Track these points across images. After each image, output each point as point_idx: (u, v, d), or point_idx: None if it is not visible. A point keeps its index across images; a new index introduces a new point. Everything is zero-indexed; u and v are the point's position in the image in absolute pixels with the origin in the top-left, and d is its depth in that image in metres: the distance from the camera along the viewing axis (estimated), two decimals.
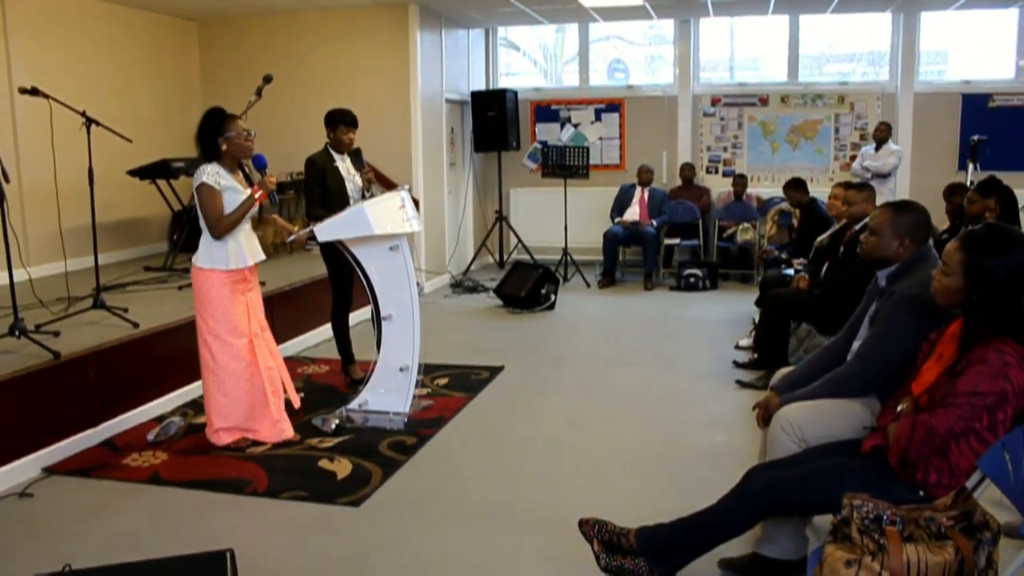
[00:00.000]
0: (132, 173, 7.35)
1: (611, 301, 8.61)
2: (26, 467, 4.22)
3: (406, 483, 4.14)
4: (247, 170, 4.60)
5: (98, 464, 4.36)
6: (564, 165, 9.56)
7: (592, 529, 3.06)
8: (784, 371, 3.60)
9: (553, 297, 8.17)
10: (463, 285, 9.26)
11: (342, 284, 5.55)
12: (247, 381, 4.50)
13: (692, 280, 8.92)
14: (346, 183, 5.43)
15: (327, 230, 4.81)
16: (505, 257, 10.21)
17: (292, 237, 4.92)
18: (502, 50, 11.05)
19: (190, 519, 3.75)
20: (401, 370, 4.99)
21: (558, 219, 9.65)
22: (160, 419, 4.94)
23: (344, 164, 5.51)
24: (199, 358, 4.50)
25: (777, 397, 3.33)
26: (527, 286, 8.08)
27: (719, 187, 10.00)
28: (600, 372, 6.00)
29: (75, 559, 2.81)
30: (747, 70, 10.46)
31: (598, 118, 10.53)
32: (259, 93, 6.30)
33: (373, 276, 5.01)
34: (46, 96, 5.26)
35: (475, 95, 9.98)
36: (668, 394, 5.48)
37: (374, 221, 4.70)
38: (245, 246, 4.48)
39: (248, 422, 4.55)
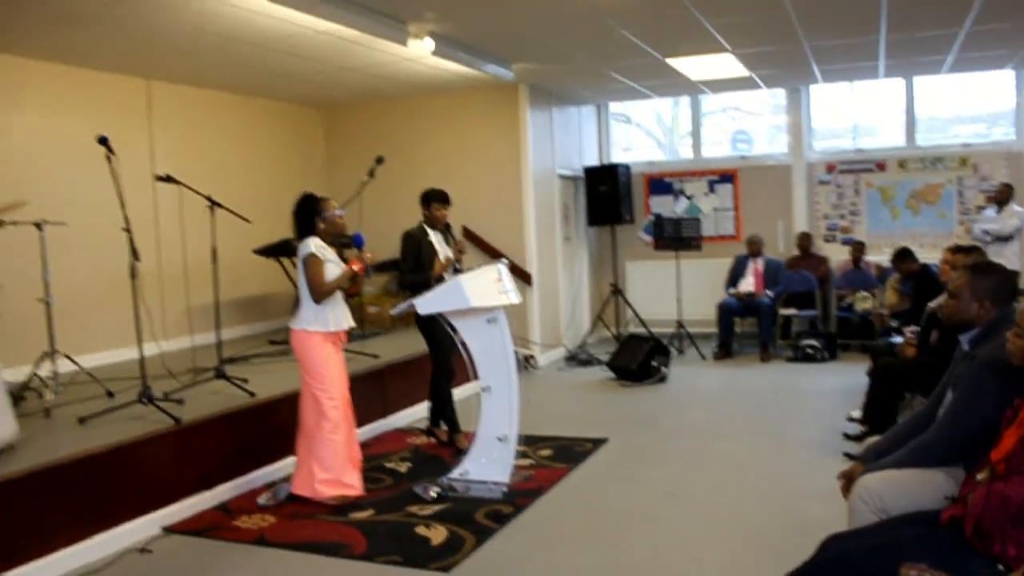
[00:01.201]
0: (258, 252, 7.86)
1: (725, 373, 8.53)
2: (148, 525, 4.56)
3: (498, 551, 4.23)
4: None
5: (212, 525, 4.66)
6: (678, 237, 9.62)
7: None
8: (873, 440, 3.54)
9: (664, 369, 8.17)
10: (577, 358, 9.35)
11: (442, 352, 5.78)
12: (346, 435, 4.91)
13: (810, 351, 8.73)
14: (439, 255, 5.75)
15: (427, 303, 5.04)
16: (621, 330, 10.26)
17: (395, 311, 5.19)
18: (618, 124, 11.30)
19: None
20: (500, 440, 5.11)
21: (673, 291, 9.68)
22: (271, 484, 5.21)
23: (437, 238, 5.85)
24: (300, 415, 4.91)
25: (861, 466, 3.29)
26: (638, 359, 8.11)
27: (838, 255, 9.81)
28: (705, 444, 5.97)
29: None
30: (863, 136, 10.31)
31: (712, 189, 10.56)
32: (371, 174, 6.69)
33: (472, 348, 5.21)
34: (177, 182, 5.77)
35: (588, 170, 10.21)
36: (773, 466, 5.39)
37: (471, 294, 4.90)
38: (341, 313, 4.98)
39: (344, 474, 4.90)
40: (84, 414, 5.01)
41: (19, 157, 6.58)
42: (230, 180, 8.32)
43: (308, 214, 4.91)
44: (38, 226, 5.60)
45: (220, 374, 5.79)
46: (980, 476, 2.69)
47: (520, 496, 4.97)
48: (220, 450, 5.11)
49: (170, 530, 4.60)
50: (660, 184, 10.80)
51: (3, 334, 5.70)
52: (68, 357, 5.81)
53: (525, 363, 8.94)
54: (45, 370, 5.65)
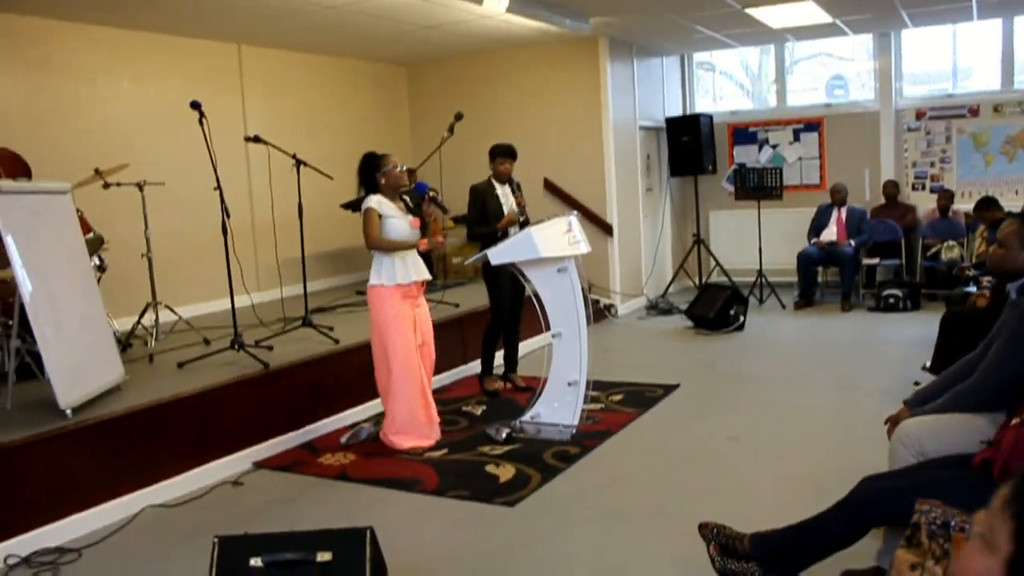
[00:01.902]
0: (344, 206, 8.15)
1: (803, 322, 8.47)
2: (240, 461, 4.92)
3: (562, 488, 4.42)
4: (407, 201, 5.23)
5: (298, 461, 4.99)
6: (760, 186, 9.51)
7: (710, 532, 3.21)
8: (923, 385, 3.57)
9: (742, 318, 8.18)
10: (658, 307, 9.42)
11: (502, 305, 6.01)
12: (414, 390, 5.03)
13: (892, 301, 8.58)
14: (503, 208, 5.93)
15: (499, 254, 5.22)
16: (704, 279, 10.25)
17: (469, 261, 5.39)
18: (705, 74, 11.16)
19: (364, 509, 4.24)
20: (569, 384, 5.28)
21: (755, 241, 9.59)
22: (353, 425, 5.52)
23: (504, 191, 6.01)
24: (377, 372, 5.07)
25: (907, 411, 3.33)
26: (716, 307, 8.13)
27: (925, 204, 9.55)
28: (775, 392, 6.01)
29: None
30: (956, 80, 9.93)
31: (797, 138, 10.36)
32: (451, 130, 6.84)
33: (543, 296, 5.37)
34: (265, 143, 6.06)
35: (669, 121, 10.15)
36: (839, 415, 5.41)
37: (541, 245, 5.05)
38: (411, 266, 5.09)
39: (413, 427, 5.07)
40: (182, 359, 5.39)
41: (122, 122, 7.00)
42: (319, 139, 8.62)
43: (370, 171, 5.08)
44: (139, 186, 5.98)
45: (307, 322, 6.11)
46: (1015, 420, 2.72)
47: (588, 438, 5.14)
48: (306, 393, 5.44)
49: (260, 465, 4.95)
50: (744, 134, 10.65)
51: (111, 287, 6.12)
52: (169, 307, 6.23)
53: (606, 311, 9.08)
54: (148, 320, 6.07)
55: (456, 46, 8.92)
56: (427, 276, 5.21)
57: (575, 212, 5.41)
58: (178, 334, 6.21)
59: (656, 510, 4.06)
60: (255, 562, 2.92)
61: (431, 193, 5.35)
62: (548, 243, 5.09)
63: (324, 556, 2.94)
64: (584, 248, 5.25)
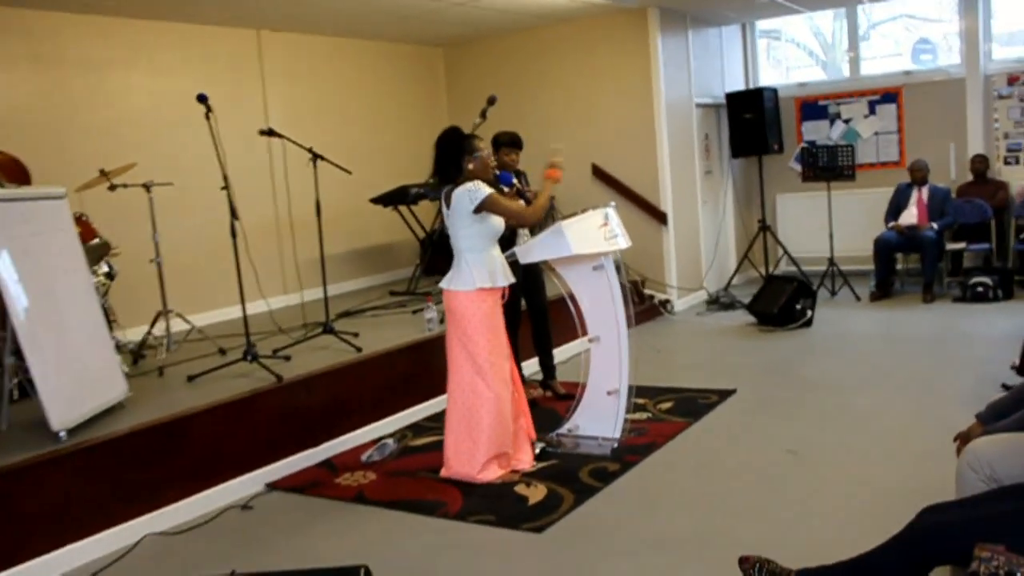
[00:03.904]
0: (374, 201, 8.08)
1: (880, 316, 8.16)
2: (252, 481, 4.85)
3: (595, 512, 4.26)
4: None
5: (313, 482, 4.90)
6: (831, 166, 9.17)
7: (752, 567, 3.03)
8: (1001, 396, 3.31)
9: (810, 313, 7.90)
10: (719, 301, 9.18)
11: (512, 302, 5.79)
12: (513, 406, 4.69)
13: (980, 290, 8.19)
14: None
15: (528, 252, 5.05)
16: (771, 270, 9.95)
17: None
18: (773, 44, 10.82)
19: (379, 536, 4.14)
20: (609, 394, 5.11)
21: (828, 226, 9.23)
22: (376, 441, 5.41)
23: None
24: (457, 387, 4.62)
25: (980, 427, 3.09)
26: (780, 301, 7.88)
27: (1020, 180, 9.09)
28: (844, 397, 5.75)
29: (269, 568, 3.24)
30: None
31: (872, 111, 9.98)
32: (483, 115, 6.71)
33: (579, 297, 5.20)
34: (280, 136, 5.99)
35: (730, 97, 9.86)
36: (916, 423, 5.14)
37: (573, 241, 4.84)
38: (502, 267, 4.70)
39: (512, 449, 4.74)
40: (193, 372, 5.35)
41: (131, 119, 7.00)
42: (349, 128, 8.60)
43: (456, 152, 4.57)
44: (146, 187, 5.97)
45: (328, 329, 6.03)
46: None
47: (630, 452, 4.97)
48: (324, 406, 5.36)
49: (273, 487, 4.87)
50: (813, 108, 10.30)
51: (121, 296, 6.15)
52: (180, 316, 6.21)
53: (661, 308, 8.87)
54: (160, 330, 6.06)
55: (494, 23, 8.77)
56: (512, 279, 4.76)
57: (612, 204, 5.21)
58: (192, 344, 6.19)
59: (699, 537, 3.88)
60: None
61: (517, 186, 5.07)
62: (582, 239, 4.89)
63: None
64: (623, 243, 5.06)
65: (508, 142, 5.82)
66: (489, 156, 4.67)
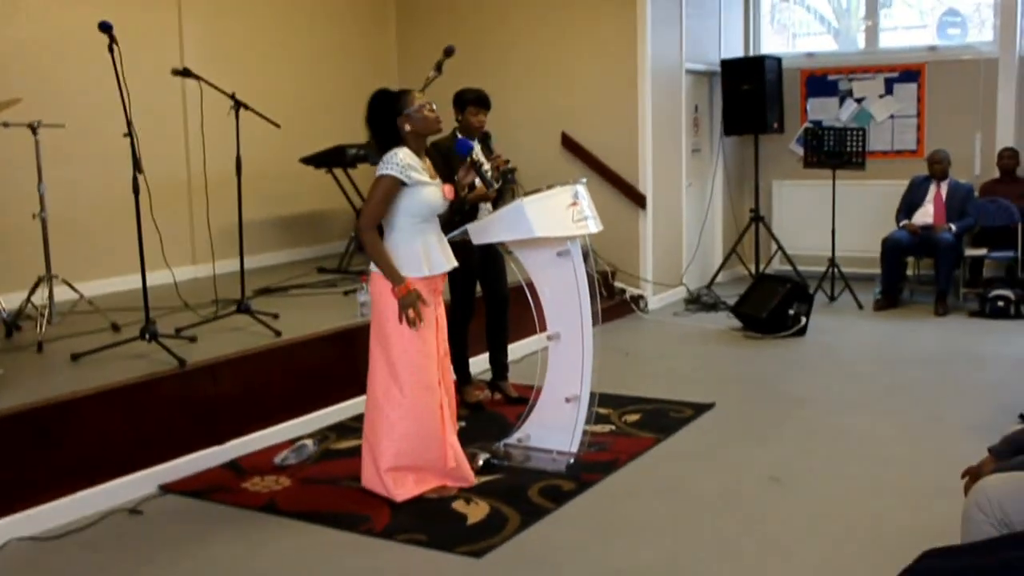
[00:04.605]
0: (305, 161, 8.02)
1: (884, 328, 8.29)
2: (143, 482, 4.80)
3: (545, 536, 4.28)
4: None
5: (216, 486, 4.87)
6: (838, 151, 9.28)
7: None
8: (1017, 429, 3.38)
9: (804, 320, 8.00)
10: (700, 301, 9.30)
11: (465, 290, 5.90)
12: (435, 414, 4.61)
13: (1001, 304, 8.36)
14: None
15: (483, 231, 5.05)
16: (762, 268, 10.06)
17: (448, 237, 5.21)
18: (779, 6, 10.92)
19: (289, 554, 4.13)
20: (567, 401, 5.14)
21: (830, 221, 9.35)
22: (293, 441, 5.39)
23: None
24: (371, 383, 4.62)
25: (993, 463, 3.15)
26: (770, 305, 7.97)
27: None
28: (836, 418, 5.84)
29: None
30: None
31: (889, 90, 10.12)
32: (439, 68, 6.66)
33: (539, 286, 5.21)
34: (197, 78, 5.92)
35: (726, 64, 9.94)
36: (919, 454, 5.24)
37: (535, 221, 4.85)
38: (439, 248, 4.66)
39: (428, 463, 4.67)
40: (78, 350, 5.28)
41: (22, 46, 6.86)
42: (280, 74, 8.57)
43: (387, 116, 4.53)
44: (32, 128, 5.86)
45: (243, 308, 5.99)
46: None
47: (588, 470, 5.00)
48: (233, 398, 5.33)
49: (168, 489, 4.84)
50: (821, 83, 10.43)
51: None
52: (67, 283, 6.13)
53: (633, 305, 8.93)
54: (41, 297, 5.97)
55: None
56: (454, 263, 4.73)
57: (583, 180, 5.22)
58: (80, 317, 6.12)
59: (663, 571, 3.91)
60: None
61: (474, 157, 4.94)
62: (545, 219, 4.90)
63: None
64: (593, 227, 5.08)
65: (474, 99, 5.82)
66: (425, 107, 4.55)
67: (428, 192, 4.54)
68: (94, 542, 4.27)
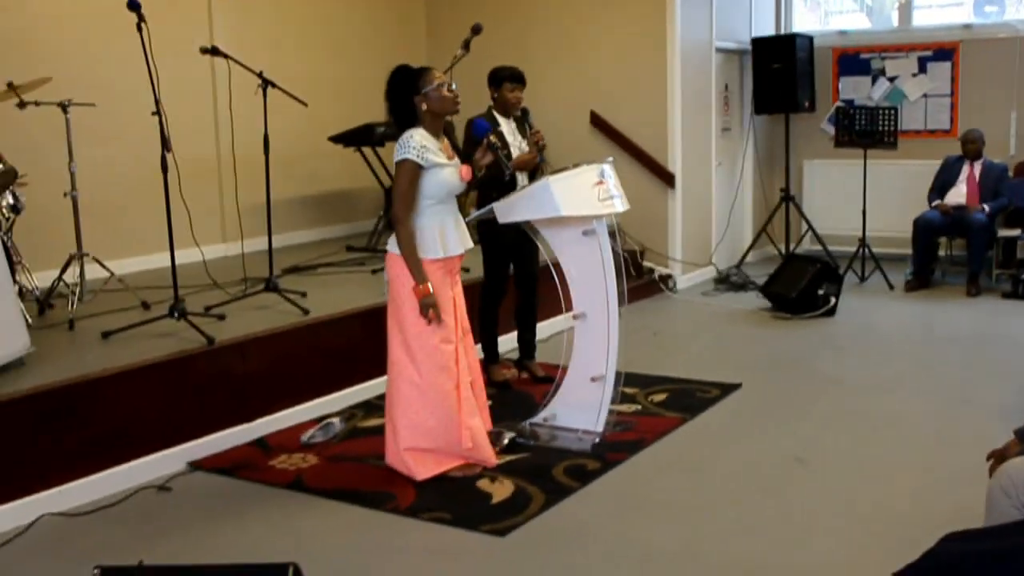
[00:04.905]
0: (334, 139, 8.04)
1: (915, 309, 8.26)
2: (172, 459, 4.86)
3: (569, 514, 4.30)
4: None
5: (244, 463, 4.92)
6: (872, 130, 9.20)
7: None
8: None
9: (833, 300, 7.96)
10: (729, 280, 9.25)
11: (498, 269, 5.93)
12: (451, 396, 4.61)
13: None
14: (511, 150, 5.72)
15: (509, 209, 5.04)
16: (792, 247, 10.01)
17: (469, 218, 5.22)
18: None
19: (315, 530, 4.17)
20: (593, 380, 5.14)
21: (861, 200, 9.28)
22: (320, 419, 5.44)
23: (510, 127, 5.84)
24: (390, 363, 4.64)
25: (1018, 445, 3.14)
26: (799, 285, 7.94)
27: None
28: (864, 400, 5.82)
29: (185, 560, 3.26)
30: None
31: (923, 69, 10.00)
32: (466, 46, 6.65)
33: (565, 266, 5.22)
34: (225, 56, 5.95)
35: (756, 43, 9.86)
36: (945, 435, 5.21)
37: (561, 200, 4.84)
38: (456, 231, 4.67)
39: (447, 444, 4.67)
40: (108, 328, 5.34)
41: (52, 24, 6.91)
42: (309, 52, 8.57)
43: (404, 94, 4.51)
44: (63, 107, 5.91)
45: (271, 286, 6.03)
46: None
47: (613, 450, 5.01)
48: (261, 376, 5.37)
49: (196, 466, 4.89)
50: (854, 61, 10.34)
51: (29, 233, 6.09)
52: (98, 261, 6.19)
53: (661, 284, 8.91)
54: (72, 275, 6.03)
55: None
56: (471, 244, 4.78)
57: (610, 159, 5.21)
58: (110, 295, 6.17)
59: (688, 552, 3.93)
60: None
61: (491, 138, 4.90)
62: (571, 198, 4.89)
63: None
64: (620, 206, 5.07)
65: (510, 76, 5.84)
66: (443, 87, 4.51)
67: (445, 174, 4.54)
68: (123, 518, 4.34)
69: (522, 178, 5.73)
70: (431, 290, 4.45)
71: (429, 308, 4.44)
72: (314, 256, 7.73)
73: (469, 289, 6.41)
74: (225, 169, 7.70)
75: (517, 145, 5.80)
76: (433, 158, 4.48)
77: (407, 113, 4.54)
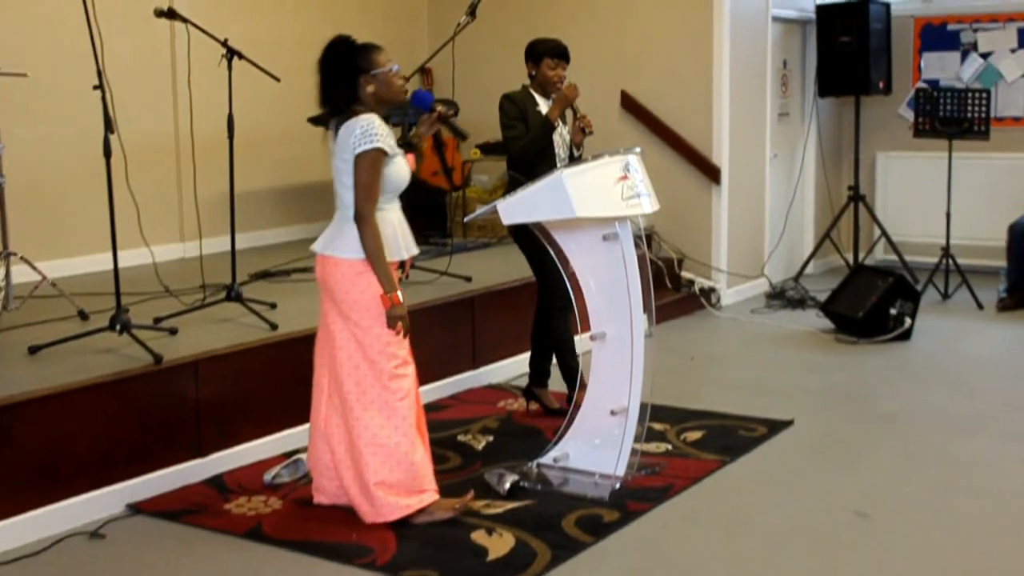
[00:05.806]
0: (314, 121, 8.03)
1: (1007, 332, 8.25)
2: (110, 499, 4.86)
3: None
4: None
5: (194, 506, 4.93)
6: (960, 117, 9.19)
7: None
8: None
9: (909, 321, 7.96)
10: (784, 296, 9.28)
11: (555, 269, 5.74)
12: (411, 424, 4.66)
13: None
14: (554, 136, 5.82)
15: (514, 209, 5.04)
16: (862, 257, 10.02)
17: (469, 217, 5.23)
18: None
19: None
20: (613, 413, 5.13)
21: (945, 202, 9.27)
22: (288, 455, 5.45)
23: (548, 108, 5.92)
24: (343, 392, 4.63)
25: None
26: (867, 303, 7.95)
27: None
28: (941, 441, 5.82)
29: None
30: None
31: (1022, 44, 10.00)
32: (472, 12, 6.74)
33: (581, 277, 5.22)
34: (184, 20, 5.98)
35: (821, 10, 9.90)
36: None
37: (576, 198, 4.83)
38: (405, 232, 4.74)
39: (416, 479, 4.69)
40: (37, 342, 5.34)
41: None
42: (284, 17, 8.59)
43: (348, 72, 4.55)
44: None
45: (234, 295, 6.05)
46: None
47: (636, 498, 5.00)
48: (219, 402, 5.37)
49: (137, 508, 4.90)
50: (939, 34, 10.38)
51: None
52: (26, 261, 6.23)
53: (703, 299, 8.93)
54: None
55: None
56: (415, 251, 4.86)
57: (637, 150, 5.21)
58: (41, 302, 6.19)
59: None
60: None
61: (440, 108, 5.05)
62: (588, 196, 4.89)
63: None
64: (648, 206, 5.08)
65: (552, 51, 5.93)
66: (394, 73, 4.61)
67: (402, 163, 4.63)
68: (47, 571, 4.33)
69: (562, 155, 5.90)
70: (401, 299, 4.50)
71: (398, 320, 4.50)
72: (286, 260, 7.72)
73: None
74: (184, 155, 7.72)
75: (558, 130, 5.91)
76: (395, 146, 4.57)
77: (346, 93, 4.58)
